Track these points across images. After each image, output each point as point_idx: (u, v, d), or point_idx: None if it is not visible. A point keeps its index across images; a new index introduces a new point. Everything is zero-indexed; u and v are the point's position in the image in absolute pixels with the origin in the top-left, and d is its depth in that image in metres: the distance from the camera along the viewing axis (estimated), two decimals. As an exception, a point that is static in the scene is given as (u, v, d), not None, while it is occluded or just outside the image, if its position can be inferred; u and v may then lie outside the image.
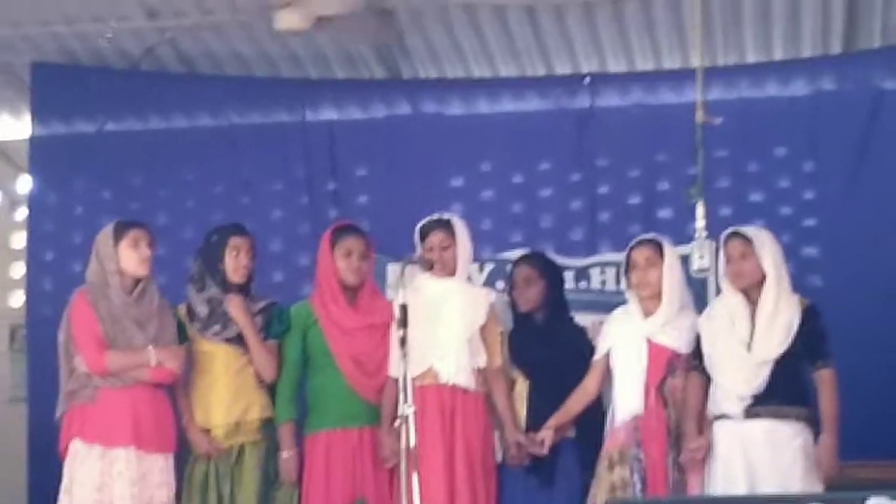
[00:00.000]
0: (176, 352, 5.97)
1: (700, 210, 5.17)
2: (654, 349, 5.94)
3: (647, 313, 5.99)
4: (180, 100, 7.89)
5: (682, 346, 5.94)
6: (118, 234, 5.99)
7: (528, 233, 7.57)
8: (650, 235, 6.18)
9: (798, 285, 6.89)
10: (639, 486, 5.81)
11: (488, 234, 7.48)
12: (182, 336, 6.11)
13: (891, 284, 7.21)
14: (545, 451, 5.98)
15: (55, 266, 7.76)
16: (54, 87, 7.81)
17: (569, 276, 6.97)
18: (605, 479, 5.89)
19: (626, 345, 5.99)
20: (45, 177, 7.92)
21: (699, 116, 5.24)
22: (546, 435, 5.98)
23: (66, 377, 5.93)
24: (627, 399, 5.93)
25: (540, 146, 7.68)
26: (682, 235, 7.15)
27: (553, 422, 6.00)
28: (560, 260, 6.80)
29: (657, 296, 5.97)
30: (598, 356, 6.06)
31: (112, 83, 7.84)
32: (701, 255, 5.16)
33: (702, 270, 5.23)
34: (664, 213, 7.49)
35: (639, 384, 5.91)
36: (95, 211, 7.66)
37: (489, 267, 7.19)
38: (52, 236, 7.87)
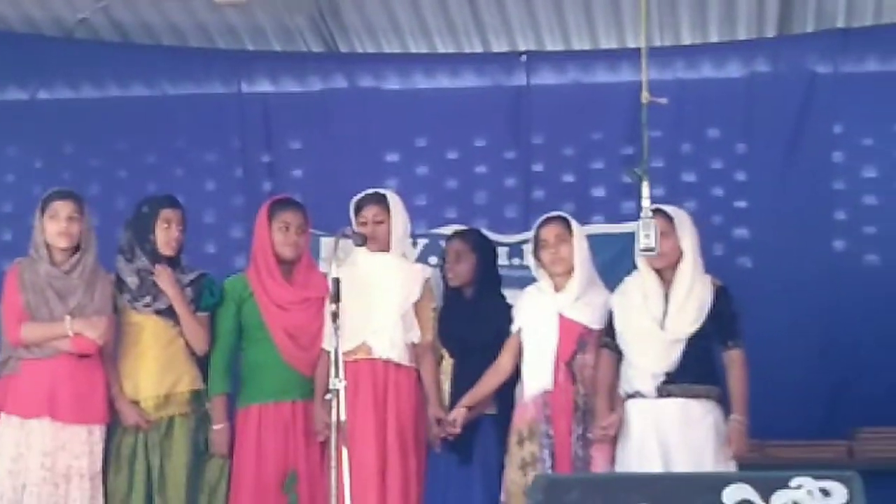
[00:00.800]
0: (96, 322, 5.90)
1: (645, 189, 5.16)
2: (565, 324, 5.95)
3: (558, 289, 6.01)
4: (114, 69, 7.81)
5: (594, 321, 5.96)
6: (43, 206, 5.95)
7: (462, 209, 7.57)
8: (555, 213, 6.18)
9: (728, 266, 6.99)
10: (549, 462, 5.84)
11: (423, 210, 7.47)
12: (113, 304, 6.07)
13: (819, 266, 7.29)
14: (457, 430, 5.97)
15: (-16, 232, 7.70)
16: (-15, 54, 7.74)
17: (502, 252, 6.97)
18: (516, 455, 5.91)
19: (537, 320, 5.99)
20: (-24, 144, 7.84)
21: (644, 96, 5.24)
22: (458, 414, 5.97)
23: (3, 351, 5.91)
24: (537, 374, 5.93)
25: (476, 123, 7.68)
26: (616, 214, 7.24)
27: (466, 400, 5.99)
28: (493, 236, 6.81)
29: (569, 272, 5.99)
30: (512, 332, 6.08)
31: (45, 51, 7.75)
32: (647, 234, 5.15)
33: (648, 250, 5.22)
34: (598, 192, 7.53)
35: (549, 359, 5.92)
36: (27, 179, 7.60)
37: (423, 242, 7.18)
38: (-18, 204, 7.80)
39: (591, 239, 6.44)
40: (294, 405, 6.07)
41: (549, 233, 6.02)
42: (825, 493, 4.40)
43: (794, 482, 4.42)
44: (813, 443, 6.84)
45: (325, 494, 5.77)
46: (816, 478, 4.42)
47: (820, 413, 7.10)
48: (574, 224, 6.06)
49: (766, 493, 4.40)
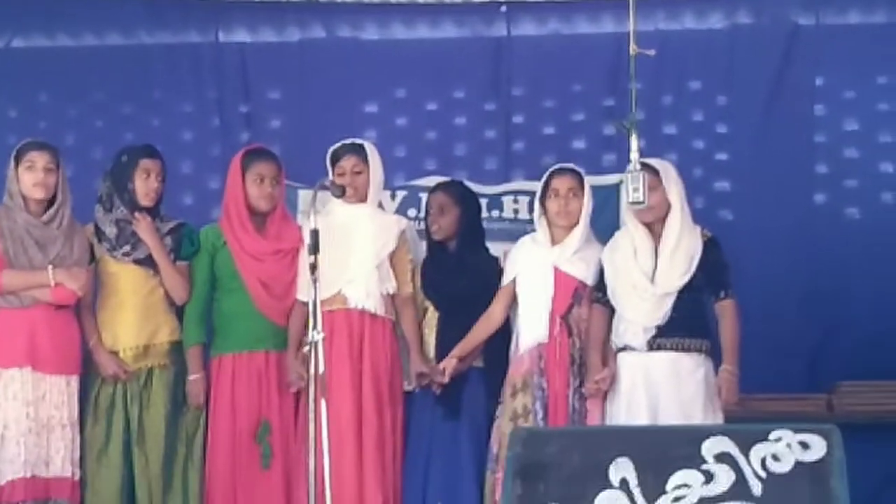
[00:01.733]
0: (77, 273, 5.88)
1: (634, 142, 5.13)
2: (560, 278, 5.94)
3: (555, 242, 5.98)
4: (89, 17, 7.71)
5: (589, 277, 5.95)
6: (18, 156, 5.90)
7: (441, 161, 7.53)
8: (569, 165, 6.16)
9: (709, 219, 6.95)
10: (540, 414, 5.84)
11: (402, 162, 7.44)
12: (90, 256, 6.02)
13: (800, 219, 7.28)
14: (446, 379, 5.97)
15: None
16: (-41, 2, 7.65)
17: (482, 204, 6.94)
18: (509, 407, 5.92)
19: (532, 272, 5.98)
20: (-51, 93, 7.76)
21: (633, 48, 5.19)
22: (448, 364, 5.96)
23: None
24: (532, 326, 5.93)
25: (455, 74, 7.63)
26: (596, 166, 7.20)
27: (457, 351, 5.99)
28: (474, 188, 6.77)
29: (571, 227, 5.96)
30: (504, 283, 6.05)
31: (20, -1, 7.68)
32: (635, 187, 5.12)
33: (635, 203, 5.19)
34: (578, 144, 7.49)
35: (544, 312, 5.91)
36: (1, 129, 7.51)
37: (402, 194, 7.14)
38: (-45, 153, 7.72)
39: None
40: (267, 355, 6.07)
41: (563, 184, 5.99)
42: (804, 445, 4.41)
43: (773, 435, 4.43)
44: (793, 396, 6.84)
45: (300, 445, 5.78)
46: (796, 431, 4.43)
47: (801, 367, 7.12)
48: (585, 180, 6.02)
49: (745, 446, 4.41)
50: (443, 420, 6.06)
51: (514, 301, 6.05)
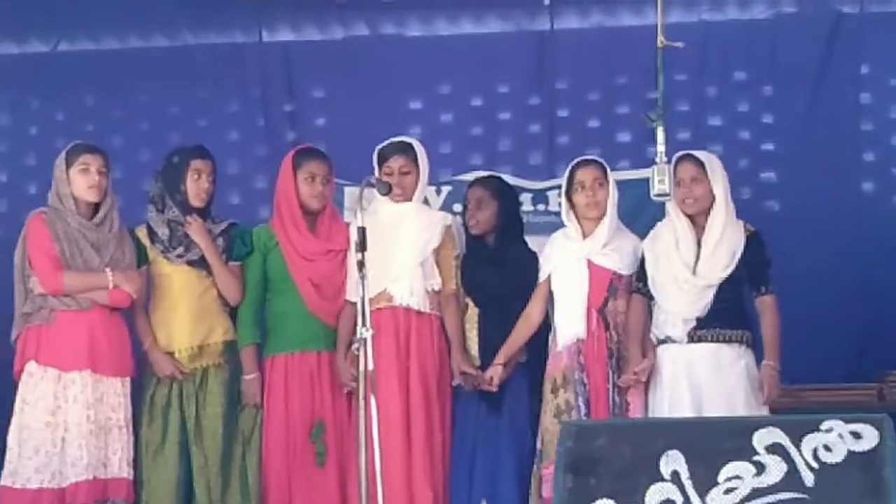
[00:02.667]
0: (132, 276, 5.92)
1: (660, 134, 5.14)
2: (594, 271, 5.93)
3: (586, 235, 5.98)
4: (134, 20, 7.75)
5: (623, 267, 5.94)
6: (70, 159, 5.91)
7: (486, 156, 7.54)
8: (591, 157, 6.15)
9: (755, 210, 6.95)
10: (583, 409, 5.83)
11: (447, 157, 7.46)
12: (143, 258, 6.07)
13: (847, 208, 7.25)
14: (494, 388, 5.97)
15: (10, 188, 7.70)
16: (6, 6, 7.67)
17: (527, 199, 6.95)
18: (551, 403, 5.90)
19: (566, 267, 5.97)
20: (-1, 97, 7.84)
21: (660, 41, 5.20)
22: (494, 372, 5.96)
23: (21, 299, 5.88)
24: (569, 322, 5.92)
25: (499, 69, 7.64)
26: (642, 159, 7.16)
27: (501, 357, 5.97)
28: (518, 182, 6.77)
29: (599, 218, 5.96)
30: (540, 281, 6.05)
31: (65, 3, 7.70)
32: (661, 179, 5.14)
33: (661, 195, 5.21)
34: (623, 137, 7.49)
35: (580, 307, 5.90)
36: (49, 132, 7.58)
37: (447, 189, 7.16)
38: (6, 158, 7.81)
39: (617, 185, 6.39)
40: (319, 355, 6.09)
41: (588, 175, 5.98)
42: (856, 435, 4.39)
43: (824, 425, 4.41)
44: (843, 386, 6.81)
45: (354, 443, 5.79)
46: (847, 421, 4.41)
47: (850, 356, 7.08)
48: (608, 169, 6.03)
49: (796, 437, 4.39)
50: (486, 416, 6.06)
51: (551, 298, 6.04)
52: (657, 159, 5.18)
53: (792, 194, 7.34)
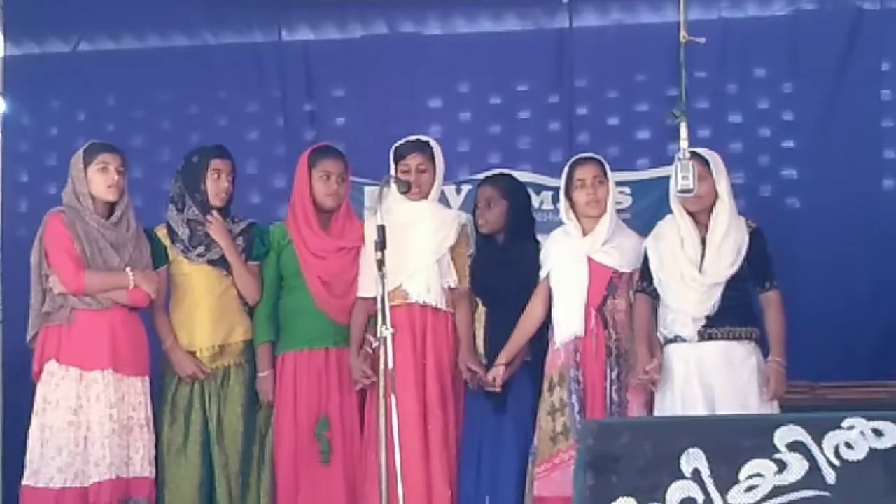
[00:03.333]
0: (151, 276, 5.95)
1: (684, 130, 5.12)
2: (594, 268, 5.93)
3: (586, 233, 5.97)
4: (154, 19, 7.78)
5: (624, 265, 5.94)
6: (88, 158, 5.92)
7: (506, 154, 7.53)
8: (589, 154, 6.15)
9: (776, 207, 6.94)
10: (577, 407, 5.82)
11: (466, 156, 7.46)
12: (163, 257, 6.08)
13: (868, 205, 7.22)
14: (498, 388, 5.97)
15: (30, 188, 7.71)
16: (27, 6, 7.71)
17: (547, 197, 6.95)
18: (546, 401, 5.91)
19: (566, 265, 5.97)
20: (19, 98, 7.83)
21: (683, 36, 5.18)
22: (497, 373, 5.96)
23: (38, 298, 5.89)
24: (568, 320, 5.92)
25: (518, 67, 7.62)
26: (661, 156, 7.17)
27: (503, 357, 5.97)
28: (538, 180, 6.76)
29: (599, 215, 5.96)
30: (541, 279, 6.05)
31: (85, 3, 7.72)
32: (685, 175, 5.13)
33: (685, 191, 5.20)
34: (643, 135, 7.47)
35: (579, 305, 5.90)
36: (70, 132, 7.59)
37: (466, 188, 7.16)
38: (26, 158, 7.81)
39: (637, 184, 6.40)
40: (327, 352, 6.11)
41: (588, 173, 5.97)
42: (877, 433, 4.38)
43: (846, 423, 4.40)
44: (864, 384, 6.78)
45: (368, 441, 5.81)
46: (869, 418, 4.40)
47: (871, 353, 7.05)
48: (608, 166, 6.02)
49: (818, 435, 4.38)
50: (491, 413, 6.06)
51: (551, 295, 6.03)
52: (680, 156, 5.17)
53: (812, 191, 7.31)
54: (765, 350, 5.77)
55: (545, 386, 5.93)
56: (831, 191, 7.18)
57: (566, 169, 6.05)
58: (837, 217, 7.13)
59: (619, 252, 5.94)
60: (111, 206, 5.94)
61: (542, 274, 6.03)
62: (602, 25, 7.62)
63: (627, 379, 5.84)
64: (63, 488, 5.71)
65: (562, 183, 6.05)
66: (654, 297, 5.86)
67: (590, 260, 5.93)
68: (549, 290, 6.01)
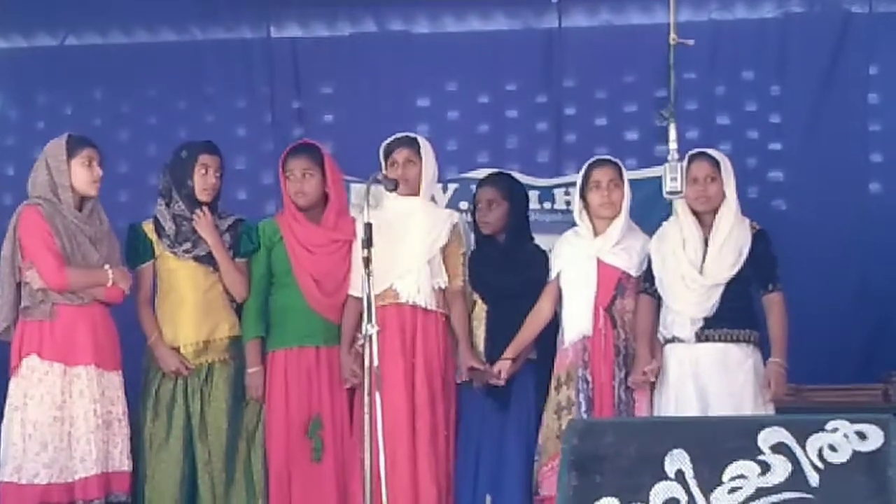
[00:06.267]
0: (125, 273, 5.93)
1: (673, 132, 5.13)
2: (603, 269, 5.94)
3: (597, 234, 5.99)
4: (143, 14, 7.75)
5: (633, 267, 5.95)
6: (71, 150, 5.86)
7: (493, 153, 7.54)
8: (607, 157, 6.16)
9: (762, 209, 6.94)
10: (584, 406, 5.83)
11: (454, 155, 7.45)
12: (149, 252, 6.06)
13: (854, 209, 7.24)
14: (502, 382, 5.97)
15: (16, 181, 7.63)
16: (14, 0, 7.69)
17: (533, 197, 6.93)
18: (553, 400, 5.92)
19: (576, 265, 5.98)
20: (6, 91, 7.85)
21: (672, 38, 5.19)
22: (503, 366, 5.96)
23: (9, 291, 5.81)
24: (576, 319, 5.93)
25: (507, 66, 7.63)
26: (649, 158, 7.19)
27: (510, 352, 5.98)
28: (525, 180, 6.76)
29: (612, 217, 5.97)
30: (550, 278, 6.05)
31: (73, -3, 7.74)
32: (673, 177, 5.13)
33: (673, 193, 5.20)
34: (631, 136, 7.48)
35: (588, 305, 5.91)
36: (57, 126, 7.49)
37: (453, 187, 7.17)
38: (13, 151, 7.80)
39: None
40: (318, 350, 6.10)
41: (604, 175, 5.98)
42: (861, 436, 4.37)
43: (829, 425, 4.39)
44: (849, 386, 6.80)
45: (354, 439, 5.81)
46: (852, 421, 4.39)
47: (856, 356, 7.08)
48: (624, 170, 6.04)
49: (801, 437, 4.38)
50: (492, 411, 6.06)
51: (560, 295, 6.04)
52: (669, 157, 5.17)
53: (799, 194, 7.33)
54: (765, 353, 5.78)
55: (552, 384, 5.94)
56: (818, 194, 7.21)
57: (583, 170, 6.07)
58: (824, 220, 7.15)
59: (628, 254, 5.95)
60: (81, 200, 5.89)
61: (552, 274, 6.04)
62: (591, 26, 7.63)
63: (629, 379, 5.85)
64: (49, 484, 5.68)
65: (577, 183, 6.07)
66: (657, 297, 5.87)
67: (599, 261, 5.94)
68: (558, 289, 6.02)
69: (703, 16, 7.37)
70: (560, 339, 6.00)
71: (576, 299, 5.95)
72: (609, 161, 6.07)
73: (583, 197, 6.02)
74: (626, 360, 5.87)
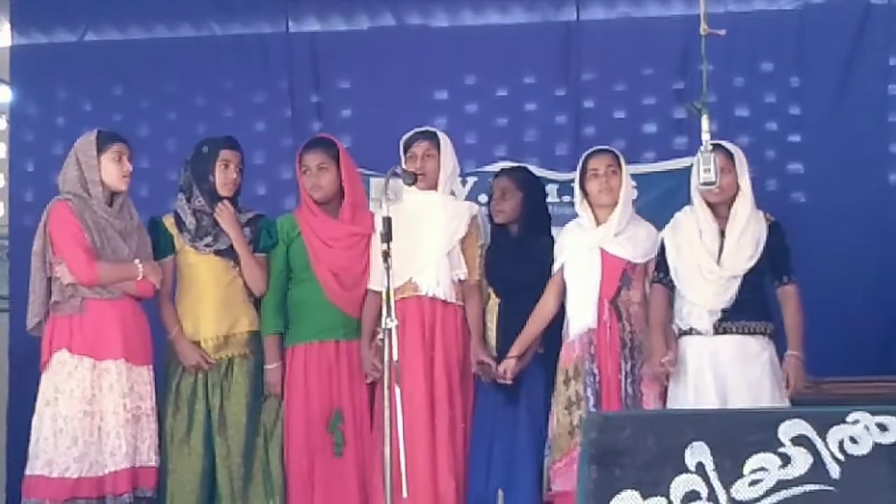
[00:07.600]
0: (156, 267, 5.95)
1: (705, 122, 5.10)
2: (607, 260, 5.93)
3: (599, 224, 5.98)
4: (161, 10, 7.79)
5: (637, 256, 5.94)
6: (101, 145, 5.88)
7: (512, 147, 7.53)
8: (604, 146, 6.16)
9: (782, 201, 6.93)
10: (592, 400, 5.83)
11: (472, 148, 7.44)
12: (170, 247, 6.08)
13: (874, 200, 7.21)
14: (508, 380, 5.97)
15: (36, 177, 7.72)
16: (34, -3, 7.75)
17: (552, 190, 6.94)
18: (562, 395, 5.91)
19: (579, 256, 5.97)
20: (26, 87, 7.86)
21: (703, 28, 5.16)
22: (508, 365, 5.97)
23: (40, 286, 5.83)
24: (581, 312, 5.92)
25: (525, 60, 7.61)
26: (667, 150, 7.19)
27: (515, 350, 5.98)
28: (544, 174, 6.76)
29: (612, 206, 5.96)
30: (554, 271, 6.04)
31: (92, -7, 7.76)
32: (706, 167, 5.10)
33: (707, 184, 5.17)
34: (649, 128, 7.46)
35: (592, 296, 5.90)
36: (76, 122, 7.59)
37: (472, 180, 7.17)
38: (32, 147, 7.82)
39: (643, 177, 6.37)
40: (338, 344, 6.11)
41: (601, 163, 5.98)
42: (882, 427, 4.37)
43: (850, 417, 4.39)
44: (869, 379, 6.77)
45: (376, 433, 5.81)
46: (873, 413, 4.39)
47: (876, 348, 7.05)
48: (622, 158, 6.02)
49: (822, 429, 4.37)
50: (504, 406, 6.07)
51: (564, 288, 6.03)
52: (702, 148, 5.14)
53: (818, 186, 7.30)
54: (779, 345, 5.76)
55: (560, 379, 5.93)
56: (837, 186, 7.17)
57: (581, 160, 6.07)
58: (843, 212, 7.12)
59: (632, 243, 5.94)
60: (111, 195, 5.92)
61: (556, 266, 6.03)
62: (609, 19, 7.61)
63: (641, 371, 5.84)
64: (80, 478, 5.70)
65: (577, 175, 6.06)
66: (671, 287, 5.85)
67: (602, 251, 5.94)
68: (563, 282, 6.01)
69: (721, 8, 7.33)
70: (565, 332, 5.98)
71: (580, 291, 5.94)
72: (606, 150, 6.08)
73: (582, 188, 6.01)
74: (633, 352, 5.86)
